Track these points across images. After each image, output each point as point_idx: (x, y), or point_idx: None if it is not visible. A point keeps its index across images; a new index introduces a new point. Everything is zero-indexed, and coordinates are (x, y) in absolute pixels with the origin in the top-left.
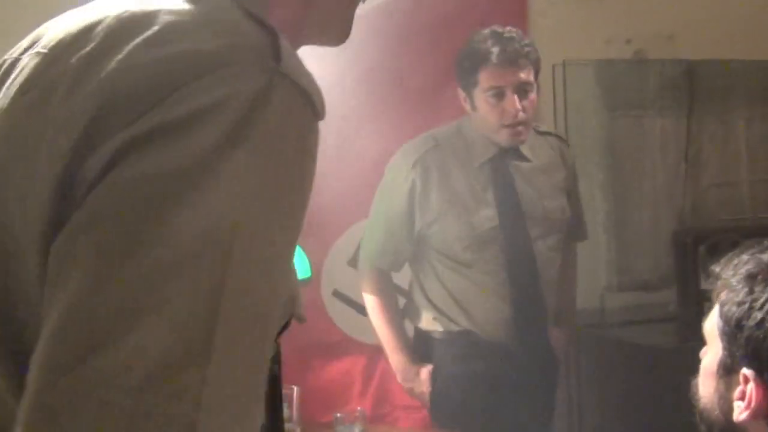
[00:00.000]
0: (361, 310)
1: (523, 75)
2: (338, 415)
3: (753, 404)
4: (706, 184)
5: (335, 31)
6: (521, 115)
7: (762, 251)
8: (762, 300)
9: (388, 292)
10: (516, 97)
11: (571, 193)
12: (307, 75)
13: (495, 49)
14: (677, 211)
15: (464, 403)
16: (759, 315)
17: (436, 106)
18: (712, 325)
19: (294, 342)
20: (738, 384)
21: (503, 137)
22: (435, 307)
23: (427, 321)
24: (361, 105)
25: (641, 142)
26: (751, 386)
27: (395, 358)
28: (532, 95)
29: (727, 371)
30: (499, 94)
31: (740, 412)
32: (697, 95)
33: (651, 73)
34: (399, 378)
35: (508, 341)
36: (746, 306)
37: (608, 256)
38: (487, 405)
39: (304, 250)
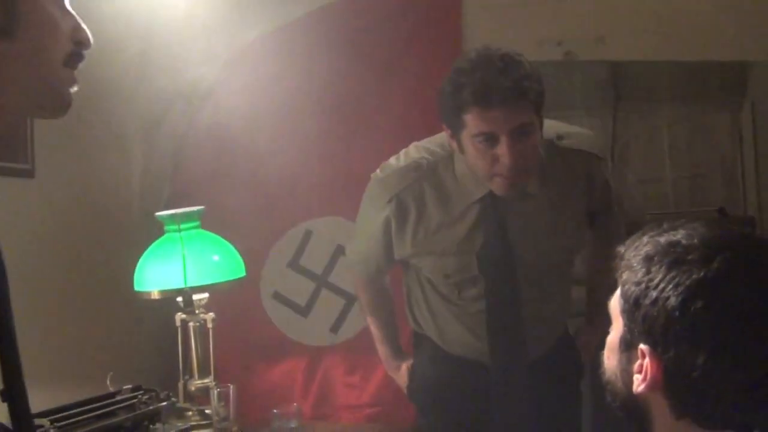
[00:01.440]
0: (301, 311)
1: (519, 118)
2: (275, 411)
3: (649, 376)
4: (632, 180)
5: (44, 105)
6: (516, 167)
7: (660, 234)
8: (657, 280)
9: (373, 288)
10: (510, 143)
11: (600, 212)
12: None
13: (484, 88)
14: None
15: (432, 404)
16: (654, 294)
17: (371, 111)
18: (614, 303)
19: (235, 343)
20: (637, 358)
21: (496, 187)
22: (416, 321)
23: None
24: (296, 110)
25: None
26: (647, 360)
27: (379, 349)
28: (533, 137)
29: (627, 346)
30: (491, 140)
31: (638, 384)
32: (623, 95)
33: (579, 74)
34: (385, 367)
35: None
36: (643, 286)
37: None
38: (454, 410)
39: (240, 251)
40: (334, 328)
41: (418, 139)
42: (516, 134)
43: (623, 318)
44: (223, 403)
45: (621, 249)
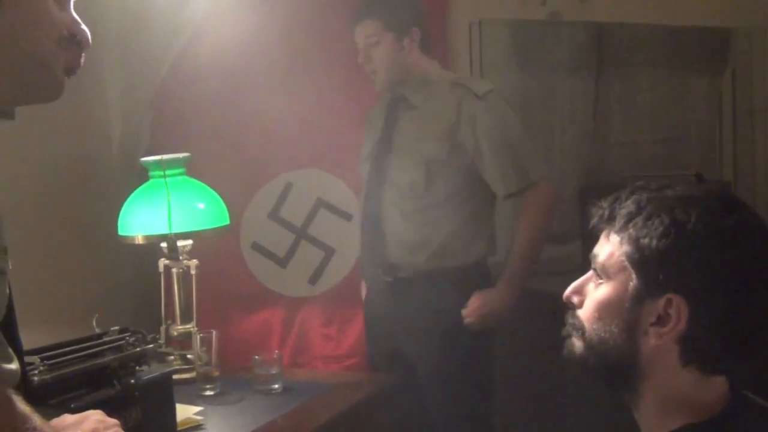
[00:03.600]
0: (280, 262)
1: (366, 32)
2: (257, 357)
3: (680, 325)
4: (612, 142)
5: (32, 83)
6: (366, 67)
7: (659, 190)
8: (689, 228)
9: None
10: (365, 49)
11: (465, 143)
12: None
13: (354, 12)
14: (585, 168)
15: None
16: (686, 242)
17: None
18: (613, 259)
19: (213, 292)
20: (655, 311)
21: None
22: None
23: None
24: (281, 60)
25: (552, 101)
26: (675, 309)
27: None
28: (382, 47)
29: (641, 300)
30: (361, 49)
31: (660, 335)
32: (605, 57)
33: (563, 34)
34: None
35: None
36: (672, 236)
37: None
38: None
39: (224, 199)
40: (313, 280)
41: None
42: (367, 44)
43: (637, 270)
44: (205, 349)
45: (603, 204)
